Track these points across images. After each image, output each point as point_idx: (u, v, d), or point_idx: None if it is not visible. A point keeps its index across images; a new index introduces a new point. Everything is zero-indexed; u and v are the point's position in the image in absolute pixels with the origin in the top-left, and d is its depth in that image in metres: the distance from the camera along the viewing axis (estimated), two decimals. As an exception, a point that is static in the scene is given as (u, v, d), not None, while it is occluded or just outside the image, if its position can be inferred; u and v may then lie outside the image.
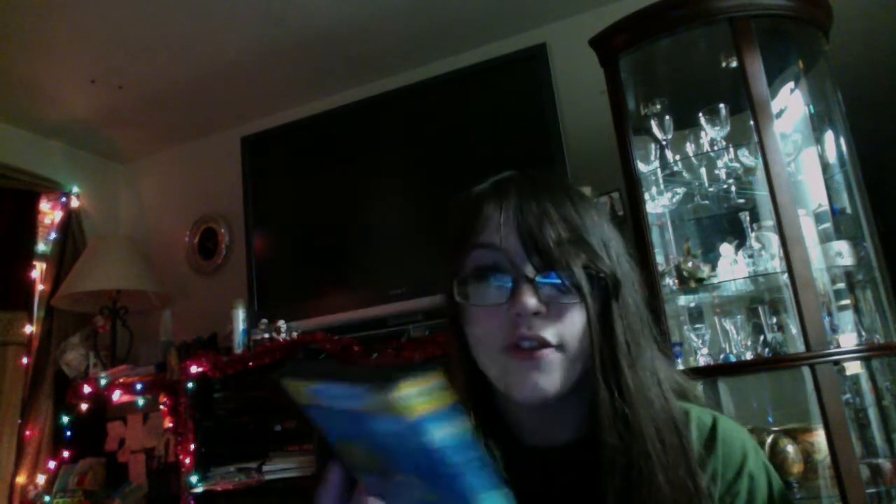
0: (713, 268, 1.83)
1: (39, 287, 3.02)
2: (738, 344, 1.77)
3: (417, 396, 0.43)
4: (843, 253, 1.79)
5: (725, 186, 1.94)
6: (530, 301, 0.62)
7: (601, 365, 0.64)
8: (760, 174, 1.76)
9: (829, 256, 1.80)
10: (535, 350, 0.63)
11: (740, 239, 1.86)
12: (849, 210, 1.89)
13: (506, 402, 0.70)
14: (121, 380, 2.59)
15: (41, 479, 2.74)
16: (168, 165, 3.50)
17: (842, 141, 1.91)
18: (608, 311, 0.65)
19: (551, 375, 0.63)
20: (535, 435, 0.70)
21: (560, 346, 0.63)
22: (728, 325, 1.80)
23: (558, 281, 0.63)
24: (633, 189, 1.89)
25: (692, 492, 0.62)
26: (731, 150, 1.89)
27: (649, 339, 0.69)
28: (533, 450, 0.70)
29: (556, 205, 0.66)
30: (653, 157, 1.96)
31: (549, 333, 0.63)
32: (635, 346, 0.66)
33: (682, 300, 1.91)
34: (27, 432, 2.79)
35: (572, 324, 0.64)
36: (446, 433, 0.45)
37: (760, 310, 1.80)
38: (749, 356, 1.75)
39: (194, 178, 3.39)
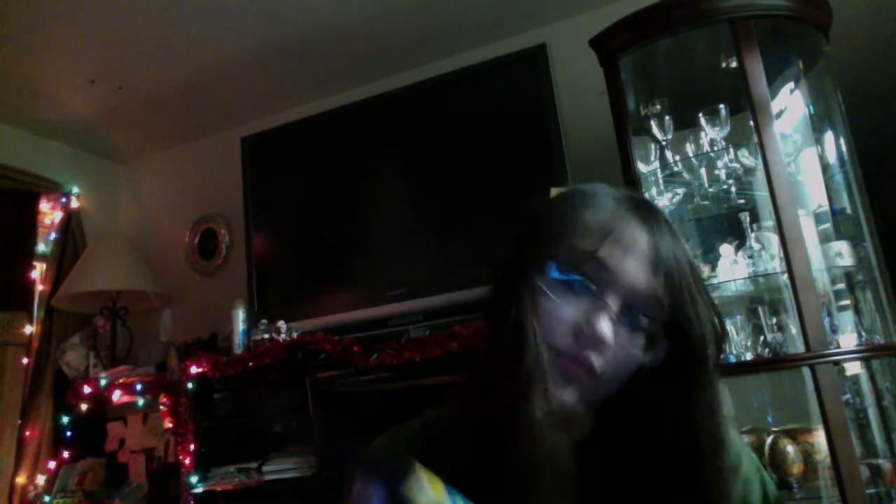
0: (713, 268, 1.83)
1: (39, 287, 3.02)
2: (738, 344, 1.77)
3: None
4: (843, 253, 1.79)
5: (725, 187, 1.93)
6: (607, 331, 0.61)
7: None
8: (760, 174, 1.75)
9: (829, 257, 1.79)
10: (574, 366, 0.63)
11: (740, 239, 1.86)
12: (849, 210, 1.89)
13: None
14: (121, 380, 2.59)
15: (41, 479, 2.75)
16: (168, 165, 3.50)
17: (842, 141, 1.90)
18: (715, 374, 0.64)
19: (574, 393, 0.63)
20: None
21: (598, 376, 0.63)
22: (728, 325, 1.80)
23: (636, 324, 0.63)
24: (633, 189, 1.89)
25: None
26: (731, 150, 1.89)
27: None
28: None
29: (679, 257, 0.65)
30: (653, 158, 1.96)
31: (599, 362, 0.62)
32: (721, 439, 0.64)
33: (682, 300, 1.91)
34: (27, 432, 2.79)
35: (621, 366, 0.63)
36: None
37: (760, 310, 1.80)
38: (749, 356, 1.75)
39: (194, 178, 3.39)
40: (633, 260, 0.63)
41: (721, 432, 0.64)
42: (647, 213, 0.66)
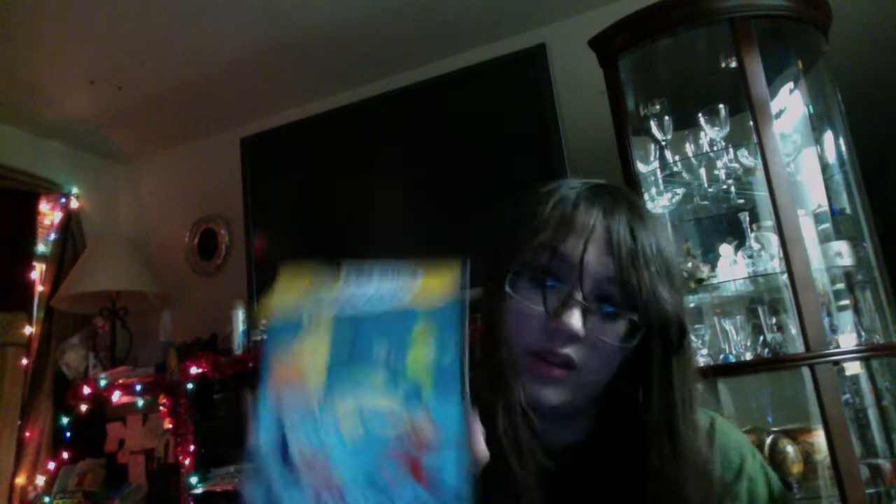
0: (713, 268, 1.83)
1: (39, 288, 3.01)
2: (738, 344, 1.77)
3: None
4: (843, 253, 1.79)
5: (725, 187, 1.93)
6: (576, 323, 0.60)
7: (656, 423, 0.63)
8: (760, 174, 1.75)
9: (828, 256, 1.79)
10: (552, 367, 0.62)
11: (740, 239, 1.86)
12: (848, 210, 1.89)
13: None
14: (120, 381, 2.59)
15: (41, 480, 2.74)
16: (168, 165, 3.50)
17: (841, 141, 1.90)
18: (667, 365, 0.64)
19: (557, 392, 0.62)
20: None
21: (577, 369, 0.62)
22: (728, 325, 1.80)
23: (611, 312, 0.62)
24: (632, 189, 1.89)
25: None
26: (731, 150, 1.89)
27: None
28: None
29: (649, 244, 0.63)
30: (652, 158, 1.96)
31: (577, 355, 0.61)
32: (690, 405, 0.64)
33: (682, 300, 1.90)
34: (27, 433, 2.79)
35: (601, 357, 0.62)
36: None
37: (760, 310, 1.80)
38: (749, 357, 1.75)
39: (194, 179, 3.39)
40: (594, 248, 0.62)
41: (680, 417, 0.63)
42: (608, 199, 0.65)
